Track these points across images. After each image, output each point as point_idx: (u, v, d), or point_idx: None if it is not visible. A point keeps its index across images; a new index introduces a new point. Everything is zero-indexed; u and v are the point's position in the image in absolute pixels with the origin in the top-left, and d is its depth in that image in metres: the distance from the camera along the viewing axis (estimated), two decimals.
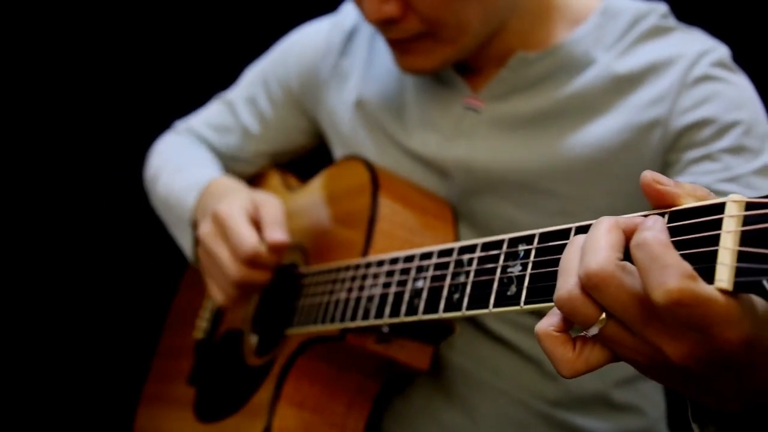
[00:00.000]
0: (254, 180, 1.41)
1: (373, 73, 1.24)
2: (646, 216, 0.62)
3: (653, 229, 0.58)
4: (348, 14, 1.29)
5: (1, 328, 1.90)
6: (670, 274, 0.55)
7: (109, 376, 1.91)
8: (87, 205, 1.92)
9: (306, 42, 1.32)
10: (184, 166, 1.34)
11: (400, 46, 1.10)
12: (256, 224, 1.10)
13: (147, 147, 1.46)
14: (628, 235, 0.62)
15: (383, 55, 1.24)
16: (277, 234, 1.07)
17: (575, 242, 0.64)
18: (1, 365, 1.90)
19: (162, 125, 1.48)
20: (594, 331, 0.62)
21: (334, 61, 1.28)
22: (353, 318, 0.97)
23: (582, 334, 0.64)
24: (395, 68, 1.21)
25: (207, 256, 1.13)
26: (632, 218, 0.63)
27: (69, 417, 1.93)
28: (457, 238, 1.11)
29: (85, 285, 1.94)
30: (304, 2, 1.47)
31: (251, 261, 1.07)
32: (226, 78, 1.44)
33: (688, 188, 0.62)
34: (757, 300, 0.59)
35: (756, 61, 1.16)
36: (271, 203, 1.11)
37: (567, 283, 0.61)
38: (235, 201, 1.11)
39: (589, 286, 0.59)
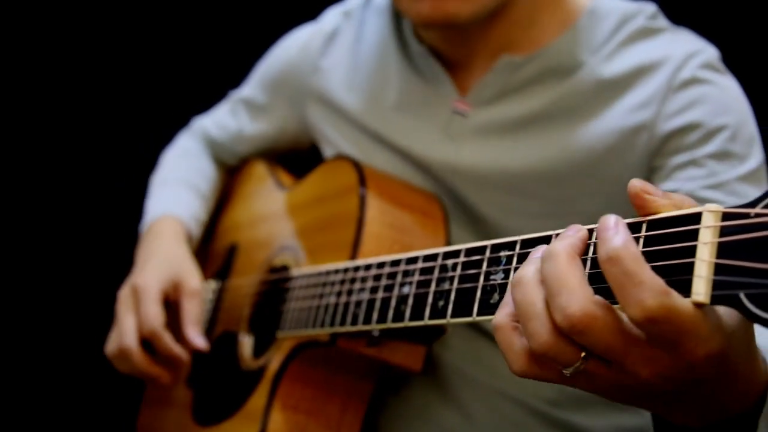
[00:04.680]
0: (239, 168, 1.45)
1: (357, 76, 1.24)
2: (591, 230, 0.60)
3: (618, 238, 0.55)
4: (328, 20, 1.31)
5: (5, 328, 1.91)
6: (645, 291, 0.53)
7: (111, 377, 1.91)
8: (88, 207, 1.91)
9: (288, 47, 1.35)
10: (164, 183, 1.39)
11: None
12: (174, 302, 1.17)
13: (146, 149, 1.48)
14: (584, 246, 0.60)
15: (367, 58, 1.23)
16: (198, 340, 1.14)
17: (527, 280, 0.60)
18: (4, 366, 1.91)
19: (165, 126, 1.50)
20: (572, 369, 0.58)
21: (313, 63, 1.29)
22: (342, 323, 0.97)
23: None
24: (380, 71, 1.21)
25: (118, 311, 1.17)
26: (579, 232, 0.61)
27: (70, 418, 1.94)
28: (448, 235, 1.11)
29: (86, 286, 1.94)
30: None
31: (149, 338, 1.13)
32: (236, 76, 1.47)
33: (676, 199, 0.59)
34: (725, 316, 0.57)
35: (745, 61, 1.14)
36: (193, 301, 1.17)
37: (540, 330, 0.57)
38: (155, 276, 1.16)
39: (573, 332, 0.56)
